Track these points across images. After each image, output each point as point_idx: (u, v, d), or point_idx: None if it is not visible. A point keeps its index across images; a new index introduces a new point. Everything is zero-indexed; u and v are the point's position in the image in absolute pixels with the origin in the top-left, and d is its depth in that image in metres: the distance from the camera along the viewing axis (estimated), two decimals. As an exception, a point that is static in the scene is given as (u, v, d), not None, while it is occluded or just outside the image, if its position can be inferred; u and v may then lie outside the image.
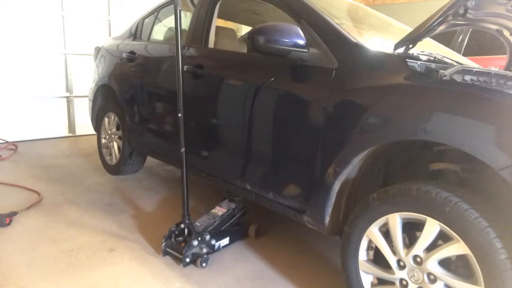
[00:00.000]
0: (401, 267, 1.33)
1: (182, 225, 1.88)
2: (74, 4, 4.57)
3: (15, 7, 4.19)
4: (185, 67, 2.10)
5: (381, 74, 1.40)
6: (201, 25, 2.26)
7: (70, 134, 4.75)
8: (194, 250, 1.85)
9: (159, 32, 2.94)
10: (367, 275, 1.45)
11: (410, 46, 1.43)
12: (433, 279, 1.25)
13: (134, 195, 2.75)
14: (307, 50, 1.62)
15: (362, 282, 1.46)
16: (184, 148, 1.89)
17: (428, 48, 1.67)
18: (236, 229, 2.12)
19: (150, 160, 3.15)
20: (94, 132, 3.41)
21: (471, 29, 3.46)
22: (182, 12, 1.85)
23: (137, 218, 2.35)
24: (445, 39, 3.13)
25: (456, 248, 1.18)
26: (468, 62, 2.08)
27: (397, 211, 1.31)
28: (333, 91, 1.50)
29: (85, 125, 4.62)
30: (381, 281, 1.44)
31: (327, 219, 1.56)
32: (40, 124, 4.50)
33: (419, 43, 1.44)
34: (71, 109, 4.73)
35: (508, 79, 1.16)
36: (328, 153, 1.51)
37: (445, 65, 1.34)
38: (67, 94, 4.69)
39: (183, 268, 1.81)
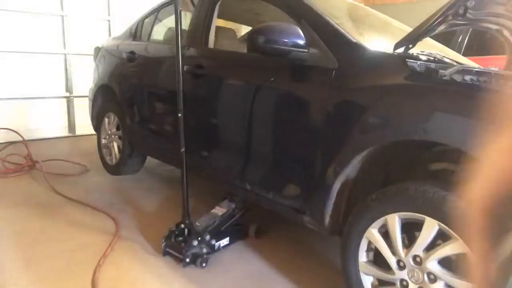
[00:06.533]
0: (401, 267, 1.33)
1: (182, 225, 1.88)
2: (74, 4, 4.58)
3: (15, 7, 4.19)
4: (185, 67, 2.09)
5: (381, 74, 1.40)
6: (201, 25, 2.26)
7: (70, 134, 4.75)
8: (194, 250, 1.84)
9: (159, 32, 2.93)
10: (367, 277, 1.45)
11: (410, 46, 1.43)
12: (433, 279, 1.25)
13: (134, 195, 2.75)
14: (307, 50, 1.62)
15: (362, 284, 1.45)
16: (184, 148, 1.90)
17: (428, 48, 1.67)
18: (236, 229, 2.11)
19: (150, 160, 3.14)
20: (94, 132, 3.41)
21: (471, 29, 3.46)
22: (182, 12, 1.85)
23: (137, 218, 2.35)
24: (445, 39, 3.12)
25: (455, 247, 1.18)
26: (468, 62, 2.07)
27: (396, 211, 1.31)
28: (333, 91, 1.49)
29: (85, 125, 4.62)
30: (381, 282, 1.43)
31: (327, 219, 1.56)
32: (40, 124, 4.50)
33: (419, 43, 1.44)
34: (71, 109, 4.73)
35: (508, 79, 1.16)
36: (328, 153, 1.51)
37: (445, 65, 1.34)
38: (67, 94, 4.69)
39: (183, 268, 1.81)
